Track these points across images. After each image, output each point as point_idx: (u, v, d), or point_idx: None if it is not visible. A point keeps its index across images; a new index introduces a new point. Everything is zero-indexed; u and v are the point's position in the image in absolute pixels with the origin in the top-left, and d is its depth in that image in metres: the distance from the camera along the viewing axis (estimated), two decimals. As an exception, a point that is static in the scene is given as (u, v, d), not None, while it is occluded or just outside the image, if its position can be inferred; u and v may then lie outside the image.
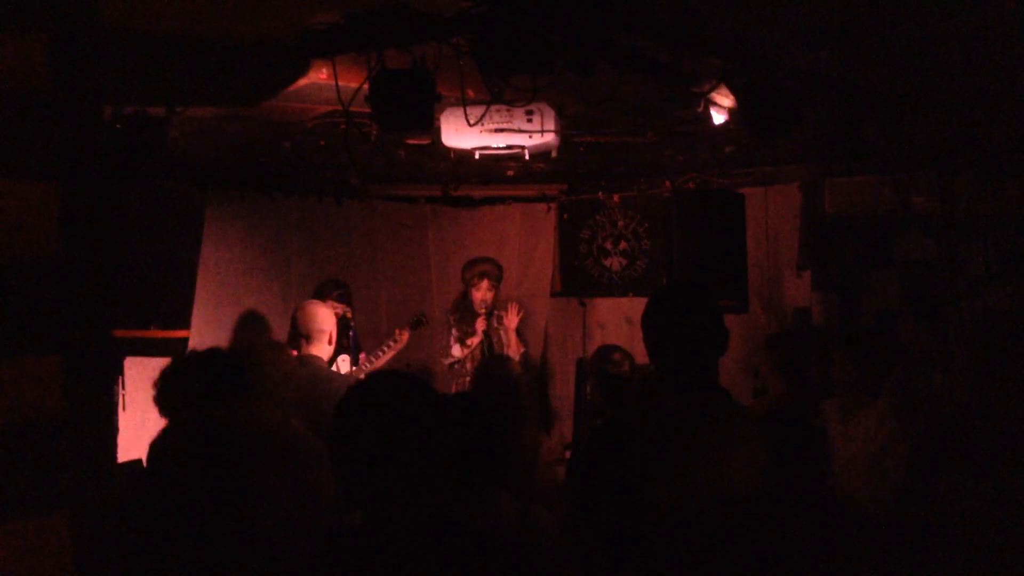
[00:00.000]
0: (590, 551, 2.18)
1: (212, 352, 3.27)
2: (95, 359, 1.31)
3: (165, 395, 3.04)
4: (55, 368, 1.28)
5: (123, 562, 1.43)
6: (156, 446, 2.80)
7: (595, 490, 2.20)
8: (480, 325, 5.84)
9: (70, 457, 1.31)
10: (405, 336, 5.74)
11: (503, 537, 2.31)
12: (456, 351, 5.87)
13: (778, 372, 4.48)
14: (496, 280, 5.99)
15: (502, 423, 2.67)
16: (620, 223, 7.49)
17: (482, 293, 5.86)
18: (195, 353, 3.21)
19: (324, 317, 4.42)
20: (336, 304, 5.77)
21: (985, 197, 5.51)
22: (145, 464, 2.81)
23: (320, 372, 4.35)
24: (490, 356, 4.54)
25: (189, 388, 2.98)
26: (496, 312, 6.06)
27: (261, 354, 3.53)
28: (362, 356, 5.79)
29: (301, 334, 4.39)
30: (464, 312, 5.92)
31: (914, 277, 6.03)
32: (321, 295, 5.75)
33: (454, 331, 5.91)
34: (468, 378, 5.80)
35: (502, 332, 6.07)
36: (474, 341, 5.85)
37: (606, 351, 4.43)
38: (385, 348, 5.71)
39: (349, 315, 5.78)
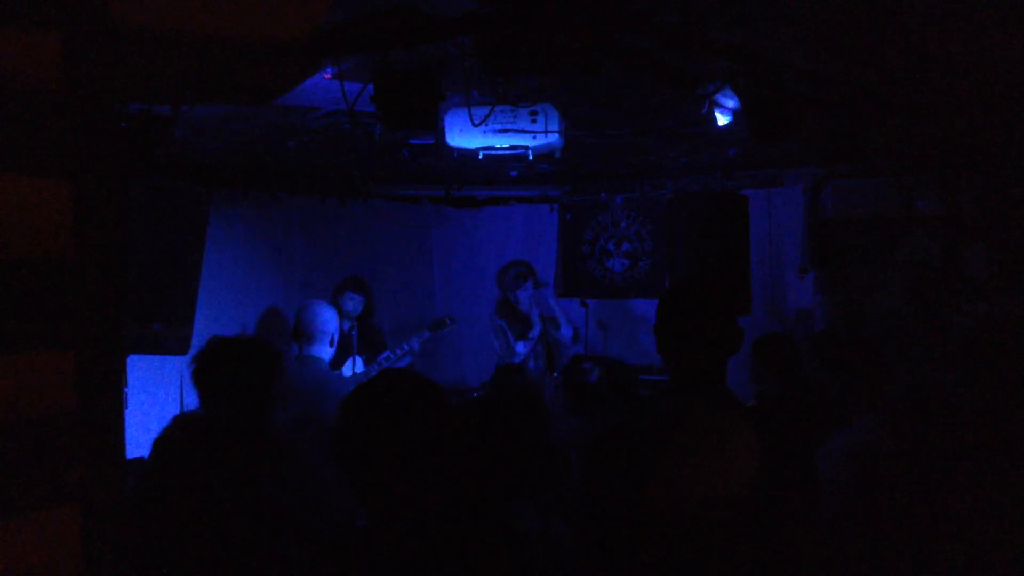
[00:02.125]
0: (593, 550, 2.18)
1: (253, 341, 3.18)
2: (105, 355, 1.32)
3: (208, 380, 2.94)
4: (66, 364, 1.28)
5: (131, 557, 1.44)
6: (161, 443, 2.81)
7: (595, 491, 2.20)
8: (535, 315, 5.95)
9: (80, 453, 1.31)
10: (418, 345, 5.78)
11: (524, 549, 2.30)
12: (521, 348, 5.99)
13: (770, 375, 4.47)
14: (535, 277, 6.11)
15: (523, 433, 2.65)
16: (623, 224, 7.50)
17: (528, 293, 5.99)
18: (227, 345, 3.11)
19: (327, 318, 4.42)
20: (357, 302, 5.79)
21: (989, 200, 5.52)
22: (149, 460, 2.81)
23: (320, 373, 4.35)
24: (505, 369, 4.59)
25: (228, 375, 2.90)
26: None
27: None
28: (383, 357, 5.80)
29: (302, 333, 4.39)
30: (512, 313, 6.04)
31: (917, 279, 6.03)
32: (342, 291, 5.78)
33: (509, 333, 6.03)
34: (543, 361, 6.06)
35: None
36: (536, 331, 5.98)
37: (576, 360, 4.49)
38: (399, 350, 5.73)
39: (356, 316, 5.79)
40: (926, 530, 2.94)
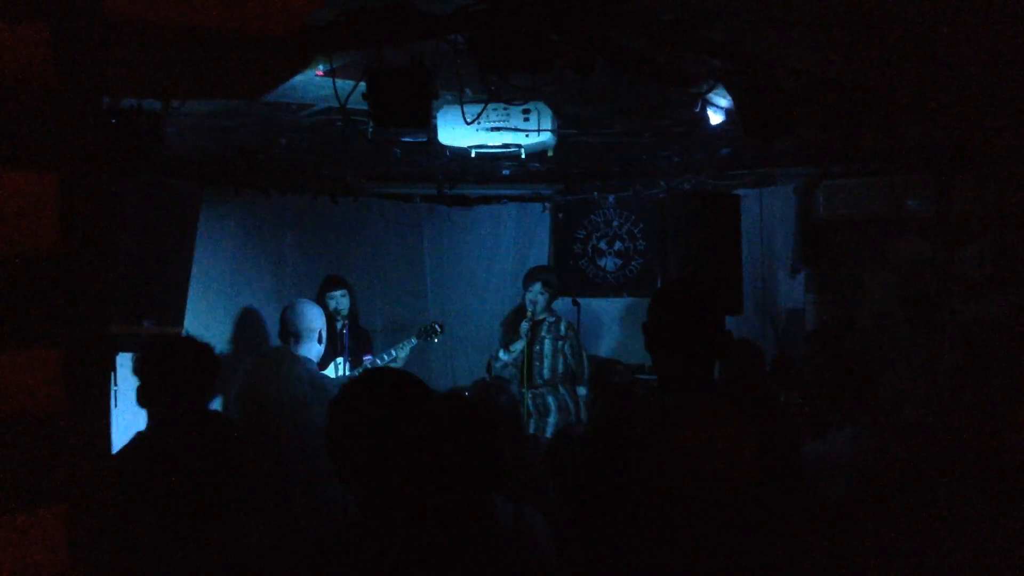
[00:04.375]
0: (577, 548, 2.18)
1: (190, 341, 3.26)
2: (93, 353, 1.30)
3: (151, 386, 3.01)
4: (54, 362, 1.26)
5: (117, 555, 1.42)
6: (148, 442, 2.79)
7: (583, 489, 2.21)
8: (523, 330, 5.87)
9: (67, 452, 1.29)
10: (406, 351, 5.74)
11: (497, 538, 2.30)
12: (502, 355, 5.99)
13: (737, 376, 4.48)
14: (549, 286, 6.01)
15: (492, 424, 2.67)
16: (615, 223, 7.49)
17: (533, 295, 5.91)
18: (174, 341, 3.21)
19: (314, 316, 4.38)
20: (338, 299, 5.74)
21: (981, 200, 5.53)
22: (134, 458, 2.80)
23: (307, 373, 4.31)
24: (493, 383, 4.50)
25: (172, 378, 2.95)
26: (557, 320, 6.06)
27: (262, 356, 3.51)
28: (367, 359, 5.76)
29: (290, 333, 4.35)
30: (516, 320, 5.98)
31: (908, 279, 6.04)
32: (322, 292, 5.74)
33: (504, 336, 6.00)
34: (518, 370, 5.94)
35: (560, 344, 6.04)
36: (518, 347, 5.92)
37: (608, 363, 4.45)
38: (385, 356, 5.70)
39: (344, 313, 5.75)
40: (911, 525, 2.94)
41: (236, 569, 2.14)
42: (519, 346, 5.89)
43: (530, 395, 5.93)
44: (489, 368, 6.32)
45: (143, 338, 4.57)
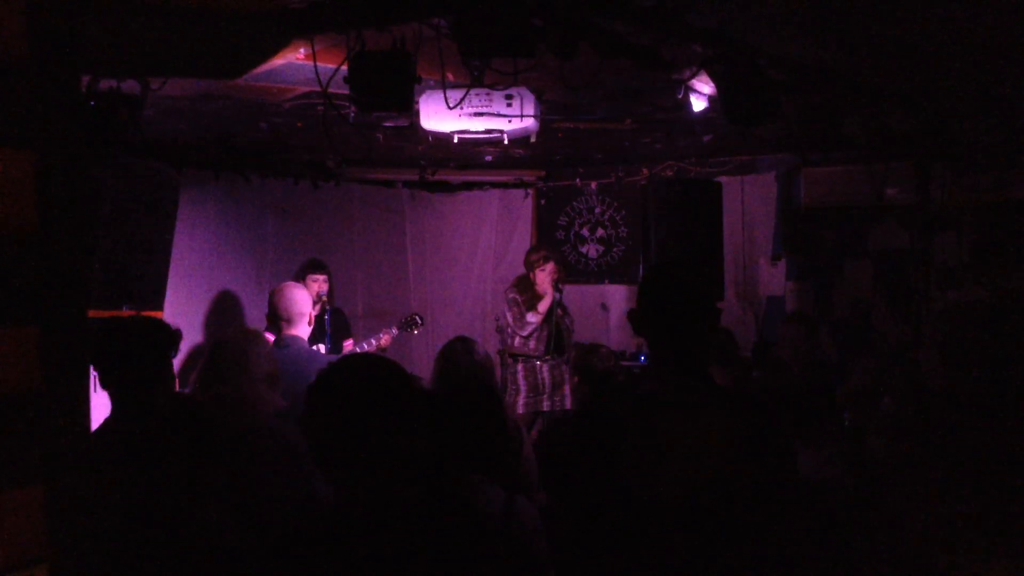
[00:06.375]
0: (567, 538, 2.18)
1: (147, 321, 3.18)
2: (71, 332, 1.28)
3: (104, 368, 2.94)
4: (31, 341, 1.24)
5: (97, 539, 1.41)
6: (114, 427, 2.77)
7: (570, 477, 2.20)
8: (550, 289, 5.89)
9: (43, 433, 1.27)
10: (387, 338, 5.73)
11: (486, 525, 2.30)
12: (531, 317, 5.92)
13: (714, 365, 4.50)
14: (562, 266, 6.07)
15: (483, 409, 2.66)
16: (597, 210, 7.50)
17: (546, 273, 5.90)
18: (123, 322, 3.12)
19: (304, 300, 4.39)
20: (321, 283, 5.72)
21: (960, 188, 5.57)
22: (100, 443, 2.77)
23: (305, 352, 4.32)
24: (455, 339, 4.50)
25: (125, 359, 2.89)
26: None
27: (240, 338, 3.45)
28: (348, 344, 5.75)
29: (281, 317, 4.33)
30: (530, 290, 5.97)
31: (888, 267, 6.09)
32: (303, 274, 5.72)
33: (522, 303, 5.95)
34: (543, 344, 5.93)
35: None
36: (545, 304, 5.89)
37: (591, 347, 4.43)
38: (365, 345, 5.70)
39: (325, 298, 5.74)
40: (893, 512, 2.97)
41: (210, 554, 2.13)
42: (546, 306, 5.87)
43: (547, 367, 5.95)
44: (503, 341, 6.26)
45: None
